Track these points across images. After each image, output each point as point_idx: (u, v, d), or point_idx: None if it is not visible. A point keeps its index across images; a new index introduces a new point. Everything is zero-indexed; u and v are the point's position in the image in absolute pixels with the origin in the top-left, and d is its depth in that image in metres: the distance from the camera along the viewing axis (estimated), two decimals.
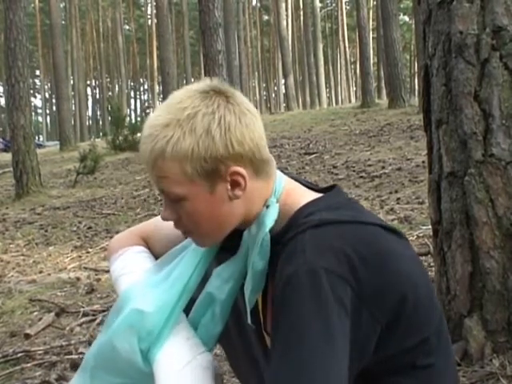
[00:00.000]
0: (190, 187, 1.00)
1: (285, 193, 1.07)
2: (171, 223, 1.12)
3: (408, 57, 46.33)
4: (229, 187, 1.01)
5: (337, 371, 0.86)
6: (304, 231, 0.95)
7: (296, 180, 1.13)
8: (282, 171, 1.16)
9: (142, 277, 1.17)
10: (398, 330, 0.96)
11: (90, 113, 57.61)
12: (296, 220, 1.01)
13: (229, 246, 1.11)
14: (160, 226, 1.28)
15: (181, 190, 1.00)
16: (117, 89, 54.12)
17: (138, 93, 67.40)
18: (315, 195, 1.07)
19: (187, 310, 1.14)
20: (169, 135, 0.98)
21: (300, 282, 0.89)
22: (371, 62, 21.45)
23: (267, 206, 1.04)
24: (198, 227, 1.05)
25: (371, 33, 31.98)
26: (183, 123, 0.98)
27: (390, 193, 5.50)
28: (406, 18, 47.10)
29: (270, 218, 1.02)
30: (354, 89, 51.32)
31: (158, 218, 1.28)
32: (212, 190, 1.01)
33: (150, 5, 50.89)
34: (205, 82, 1.04)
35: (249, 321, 1.05)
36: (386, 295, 0.94)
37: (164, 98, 17.46)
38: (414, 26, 22.01)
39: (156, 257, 1.27)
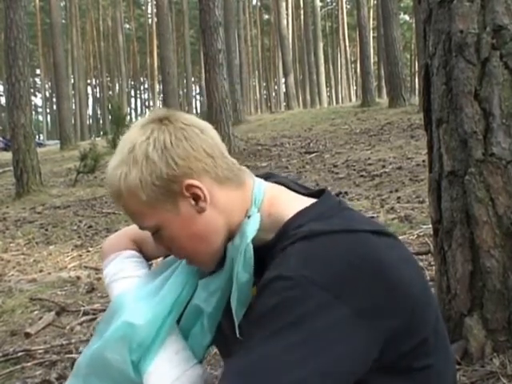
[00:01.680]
0: (155, 216, 1.03)
1: (267, 201, 1.06)
2: None
3: (408, 56, 46.32)
4: (192, 202, 1.02)
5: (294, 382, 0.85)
6: (293, 243, 0.95)
7: (284, 184, 1.12)
8: (268, 175, 1.15)
9: (134, 286, 1.17)
10: (395, 335, 0.94)
11: (90, 112, 57.64)
12: (286, 231, 1.00)
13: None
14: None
15: (150, 221, 1.04)
16: (117, 88, 54.12)
17: (138, 92, 67.42)
18: (303, 202, 1.05)
19: (179, 318, 1.15)
20: (118, 174, 1.03)
21: (276, 286, 0.90)
22: (371, 61, 21.45)
23: (248, 217, 1.04)
24: (185, 252, 1.07)
25: (371, 32, 31.96)
26: (126, 159, 1.02)
27: (391, 192, 5.50)
28: (407, 17, 47.08)
29: (252, 228, 1.02)
30: (355, 88, 51.30)
31: None
32: (177, 211, 1.02)
33: (150, 4, 50.91)
34: (148, 115, 1.09)
35: (237, 334, 1.03)
36: (381, 303, 0.92)
37: (164, 98, 17.48)
38: (414, 24, 22.01)
39: (148, 259, 1.28)
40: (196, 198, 1.02)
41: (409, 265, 1.02)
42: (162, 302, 1.11)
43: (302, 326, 0.87)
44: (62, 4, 38.62)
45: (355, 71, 50.37)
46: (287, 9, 35.70)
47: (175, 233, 1.04)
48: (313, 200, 1.06)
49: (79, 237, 5.73)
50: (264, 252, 1.01)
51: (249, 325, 0.94)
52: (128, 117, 17.85)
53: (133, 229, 1.31)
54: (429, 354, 1.00)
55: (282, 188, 1.10)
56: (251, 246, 1.01)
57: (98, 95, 59.63)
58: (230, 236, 1.06)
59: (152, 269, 1.24)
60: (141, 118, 1.11)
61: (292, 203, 1.05)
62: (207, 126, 1.07)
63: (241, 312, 1.04)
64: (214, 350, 2.18)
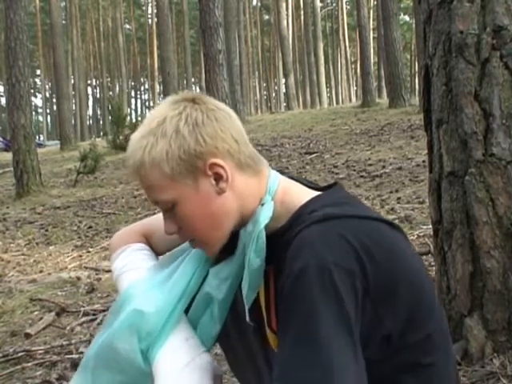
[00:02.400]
0: (175, 190, 1.04)
1: (281, 191, 1.08)
2: None
3: (408, 56, 46.33)
4: (213, 182, 1.04)
5: (352, 367, 0.86)
6: (309, 226, 0.96)
7: (297, 180, 1.14)
8: (281, 172, 1.16)
9: (143, 276, 1.17)
10: (402, 324, 0.96)
11: (90, 112, 57.65)
12: (300, 217, 1.01)
13: (226, 245, 1.11)
14: (161, 223, 1.29)
15: (168, 195, 1.04)
16: (117, 88, 54.11)
17: (138, 92, 67.44)
18: (315, 193, 1.08)
19: (187, 308, 1.15)
20: (143, 144, 1.04)
21: (310, 276, 0.90)
22: (371, 61, 21.46)
23: (262, 204, 1.05)
24: (196, 231, 1.07)
25: (371, 32, 31.93)
26: (154, 130, 1.04)
27: (391, 192, 5.50)
28: (407, 18, 47.10)
29: (265, 215, 1.03)
30: (355, 88, 51.31)
31: (159, 215, 1.29)
32: (197, 188, 1.04)
33: (150, 4, 50.88)
34: (177, 94, 1.10)
35: (247, 319, 1.05)
36: (391, 289, 0.94)
37: (165, 98, 17.49)
38: (414, 25, 22.00)
39: (158, 254, 1.28)
40: (217, 177, 1.04)
41: (417, 259, 1.05)
42: (172, 290, 1.12)
43: (340, 313, 0.88)
44: (63, 4, 38.64)
45: (355, 72, 50.38)
46: (287, 9, 35.72)
47: (190, 210, 1.04)
48: (322, 192, 1.09)
49: (79, 237, 5.73)
50: (276, 238, 1.02)
51: (288, 319, 0.92)
52: (128, 117, 17.84)
53: (142, 223, 1.33)
54: (433, 351, 1.01)
55: (295, 182, 1.12)
56: (264, 233, 1.02)
57: (98, 96, 59.65)
58: (242, 223, 1.07)
59: (160, 260, 1.24)
60: (169, 96, 1.11)
61: (304, 194, 1.07)
62: (234, 114, 1.11)
63: (251, 297, 1.05)
64: (215, 350, 2.18)
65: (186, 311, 1.15)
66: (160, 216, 1.35)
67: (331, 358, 0.85)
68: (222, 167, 1.03)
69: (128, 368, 1.10)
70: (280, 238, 1.01)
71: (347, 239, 0.93)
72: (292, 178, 1.14)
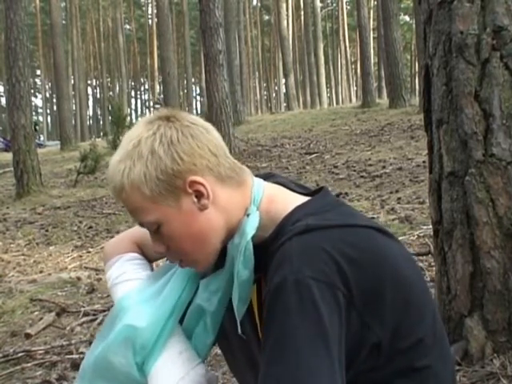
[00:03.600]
0: (157, 211, 1.03)
1: (266, 200, 1.07)
2: None
3: (409, 56, 46.33)
4: (194, 199, 1.03)
5: (329, 380, 0.85)
6: (290, 238, 0.95)
7: (283, 184, 1.13)
8: (268, 176, 1.16)
9: (135, 289, 1.18)
10: (391, 330, 0.95)
11: (90, 112, 57.64)
12: (284, 227, 1.01)
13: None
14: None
15: (151, 217, 1.04)
16: (117, 88, 54.12)
17: (138, 92, 67.43)
18: (301, 200, 1.06)
19: (181, 318, 1.15)
20: (121, 168, 1.03)
21: (287, 292, 0.89)
22: (372, 61, 21.45)
23: (248, 215, 1.05)
24: (184, 250, 1.06)
25: (372, 32, 31.91)
26: (131, 153, 1.03)
27: (391, 192, 5.50)
28: (407, 18, 47.08)
29: (251, 226, 1.03)
30: (355, 88, 51.30)
31: None
32: (179, 207, 1.03)
33: (150, 4, 50.89)
34: (153, 113, 1.10)
35: (239, 331, 1.05)
36: (377, 296, 0.94)
37: (165, 98, 17.48)
38: (414, 25, 21.99)
39: (150, 261, 1.29)
40: (199, 195, 1.03)
41: (410, 263, 1.04)
42: (163, 304, 1.12)
43: (317, 327, 0.88)
44: (63, 5, 38.63)
45: (355, 72, 50.37)
46: (287, 10, 35.72)
47: (175, 230, 1.04)
48: (309, 198, 1.08)
49: (79, 237, 5.73)
50: (263, 249, 1.02)
51: (266, 332, 0.93)
52: (128, 117, 17.86)
53: (134, 231, 1.32)
54: (426, 354, 1.00)
55: (281, 187, 1.11)
56: (251, 244, 1.02)
57: (98, 96, 59.65)
58: (229, 236, 1.07)
59: (154, 271, 1.24)
60: (144, 117, 1.11)
61: (290, 201, 1.06)
62: (211, 127, 1.09)
63: (242, 309, 1.05)
64: (215, 350, 2.18)
65: (181, 321, 1.15)
66: None
67: (305, 375, 0.85)
68: (201, 184, 1.02)
69: (125, 380, 1.11)
70: (266, 248, 1.01)
71: (327, 251, 0.92)
72: (277, 182, 1.13)
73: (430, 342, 1.01)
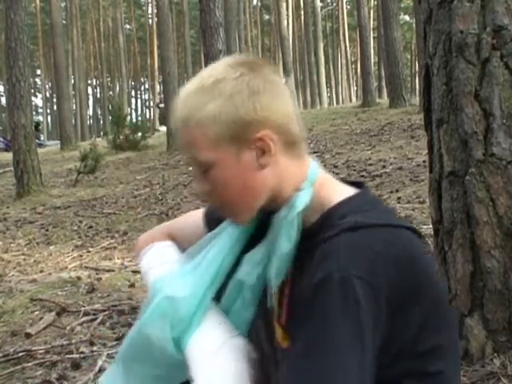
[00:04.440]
0: (216, 153, 0.99)
1: (319, 182, 1.04)
2: (197, 221, 1.18)
3: (409, 56, 46.33)
4: (257, 154, 1.00)
5: (361, 381, 0.85)
6: (338, 234, 0.93)
7: None
8: None
9: (173, 267, 1.16)
10: (415, 334, 0.95)
11: (90, 112, 57.64)
12: (330, 219, 0.99)
13: (260, 233, 1.09)
14: (185, 224, 1.29)
15: (207, 157, 0.99)
16: (117, 88, 54.11)
17: (138, 92, 67.43)
18: (347, 191, 1.05)
19: (217, 298, 1.13)
20: (194, 101, 0.99)
21: (332, 288, 0.88)
22: (372, 61, 21.46)
23: (299, 190, 1.02)
24: (226, 198, 1.03)
25: (372, 32, 31.90)
26: (208, 89, 0.98)
27: (391, 192, 5.50)
28: (407, 18, 47.08)
29: (302, 201, 1.00)
30: (355, 88, 51.30)
31: (184, 216, 1.28)
32: (239, 157, 0.99)
33: (150, 4, 50.87)
34: (234, 57, 1.05)
35: (268, 304, 1.03)
36: (412, 299, 0.93)
37: (165, 98, 17.45)
38: (414, 25, 21.98)
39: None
40: (262, 151, 0.99)
41: (434, 266, 1.06)
42: (203, 275, 1.09)
43: (358, 327, 0.87)
44: (63, 5, 38.60)
45: (355, 72, 50.37)
46: (287, 9, 35.70)
47: (226, 177, 1.00)
48: (354, 190, 1.06)
49: (80, 237, 5.73)
50: (305, 235, 1.00)
51: (301, 325, 0.91)
52: (128, 117, 17.86)
53: (165, 225, 1.32)
54: (442, 358, 0.99)
55: (329, 175, 1.09)
56: (298, 219, 0.99)
57: (98, 95, 59.65)
58: (273, 203, 1.04)
59: (189, 248, 1.20)
60: (225, 58, 1.05)
61: (339, 191, 1.04)
62: (288, 91, 1.06)
63: (277, 281, 1.01)
64: None
65: (217, 300, 1.12)
66: (184, 218, 1.33)
67: (336, 373, 0.84)
68: (270, 141, 0.98)
69: (160, 358, 1.08)
70: (309, 238, 0.99)
71: (374, 251, 0.91)
72: None
73: (446, 347, 1.00)
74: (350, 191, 1.05)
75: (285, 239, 1.00)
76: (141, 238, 1.31)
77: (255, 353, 1.07)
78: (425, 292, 0.96)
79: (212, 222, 1.22)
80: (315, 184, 1.04)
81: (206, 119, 0.98)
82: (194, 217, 1.30)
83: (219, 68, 1.02)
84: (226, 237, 1.13)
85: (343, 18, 43.76)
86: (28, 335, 2.98)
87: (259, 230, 1.10)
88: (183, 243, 1.26)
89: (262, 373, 1.10)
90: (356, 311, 0.87)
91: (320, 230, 0.98)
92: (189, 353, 1.04)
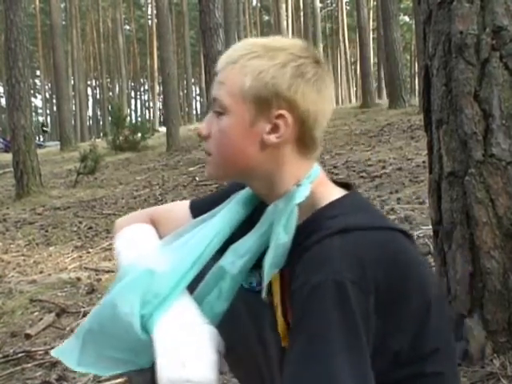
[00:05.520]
0: (238, 105, 1.01)
1: (317, 181, 1.05)
2: (182, 210, 1.20)
3: (408, 57, 46.35)
4: (269, 129, 1.00)
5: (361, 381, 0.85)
6: (331, 236, 0.94)
7: None
8: None
9: (149, 248, 1.15)
10: (411, 338, 0.95)
11: (90, 113, 57.62)
12: (320, 218, 0.99)
13: (250, 224, 1.09)
14: (169, 213, 1.29)
15: (229, 101, 1.01)
16: (117, 89, 54.11)
17: (138, 93, 67.43)
18: (340, 192, 1.06)
19: (192, 286, 1.11)
20: (250, 49, 1.02)
21: (327, 291, 0.88)
22: (371, 62, 21.48)
23: (298, 185, 1.03)
24: (221, 149, 1.04)
25: (371, 33, 31.95)
26: (268, 47, 1.02)
27: (391, 193, 5.50)
28: (407, 18, 47.10)
29: (301, 195, 1.01)
30: (355, 89, 51.31)
31: (170, 204, 1.31)
32: (253, 122, 1.01)
33: (150, 5, 50.87)
34: (308, 43, 1.08)
35: (263, 295, 1.02)
36: (403, 303, 0.94)
37: (164, 99, 17.47)
38: (414, 26, 22.00)
39: None
40: (275, 128, 1.01)
41: (428, 270, 1.05)
42: (187, 255, 1.08)
43: (353, 330, 0.87)
44: (62, 5, 38.60)
45: (355, 72, 50.37)
46: (287, 10, 35.73)
47: (231, 131, 1.02)
48: (343, 191, 1.07)
49: (79, 238, 5.73)
50: (297, 232, 1.00)
51: (298, 328, 0.91)
52: (128, 118, 17.85)
53: (152, 209, 1.32)
54: (441, 361, 1.00)
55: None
56: (297, 210, 1.00)
57: (98, 96, 59.64)
58: (269, 191, 1.05)
59: (174, 232, 1.17)
60: (303, 42, 1.07)
61: (333, 191, 1.05)
62: (332, 100, 1.08)
63: (271, 272, 1.01)
64: None
65: (191, 291, 1.11)
66: (169, 205, 1.35)
67: (338, 374, 0.84)
68: (286, 124, 1.00)
69: (124, 335, 1.04)
70: (300, 236, 0.99)
71: (366, 255, 0.92)
72: None
73: (444, 350, 1.00)
74: (342, 193, 1.06)
75: (282, 230, 1.00)
76: (122, 218, 1.30)
77: (224, 349, 1.05)
78: (416, 293, 0.96)
79: (199, 213, 1.21)
80: (314, 183, 1.05)
81: (251, 69, 1.00)
82: (180, 205, 1.30)
83: (291, 41, 1.05)
84: (213, 224, 1.12)
85: (343, 19, 43.77)
86: (28, 336, 2.98)
87: (251, 219, 1.11)
88: (164, 229, 1.24)
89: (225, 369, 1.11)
90: (351, 314, 0.87)
91: (311, 229, 0.98)
92: (157, 330, 1.01)
